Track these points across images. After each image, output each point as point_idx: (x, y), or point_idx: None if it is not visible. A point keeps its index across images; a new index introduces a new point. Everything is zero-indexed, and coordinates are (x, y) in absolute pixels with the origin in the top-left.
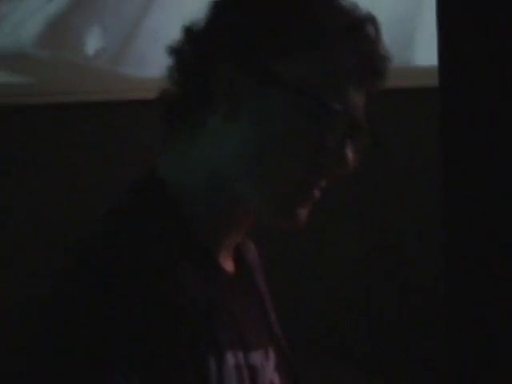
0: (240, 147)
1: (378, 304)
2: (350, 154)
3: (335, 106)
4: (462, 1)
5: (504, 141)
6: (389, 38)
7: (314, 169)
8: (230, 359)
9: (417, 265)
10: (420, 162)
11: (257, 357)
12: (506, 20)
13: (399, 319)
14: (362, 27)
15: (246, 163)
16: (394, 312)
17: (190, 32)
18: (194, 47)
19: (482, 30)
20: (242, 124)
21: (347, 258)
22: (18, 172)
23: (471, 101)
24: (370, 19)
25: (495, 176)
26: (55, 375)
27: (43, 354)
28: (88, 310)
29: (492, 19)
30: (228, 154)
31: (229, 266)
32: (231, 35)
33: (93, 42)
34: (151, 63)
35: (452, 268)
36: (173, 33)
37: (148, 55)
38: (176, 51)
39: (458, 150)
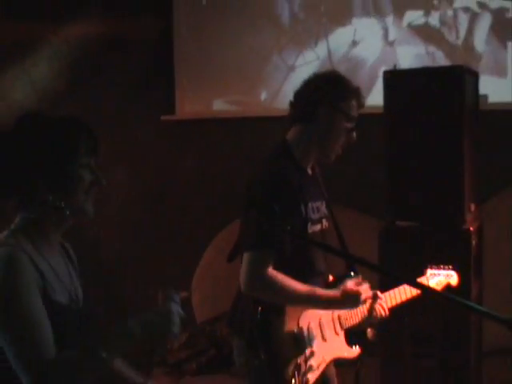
0: (320, 134)
1: None
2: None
3: (354, 118)
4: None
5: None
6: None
7: (343, 142)
8: (310, 205)
9: None
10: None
11: (319, 203)
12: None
13: None
14: (358, 91)
15: (322, 141)
16: None
17: (300, 94)
18: (307, 97)
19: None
20: (320, 126)
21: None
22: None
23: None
24: (359, 88)
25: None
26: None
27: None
28: (269, 181)
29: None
30: (316, 136)
31: (310, 172)
32: (325, 97)
33: (262, 93)
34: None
35: None
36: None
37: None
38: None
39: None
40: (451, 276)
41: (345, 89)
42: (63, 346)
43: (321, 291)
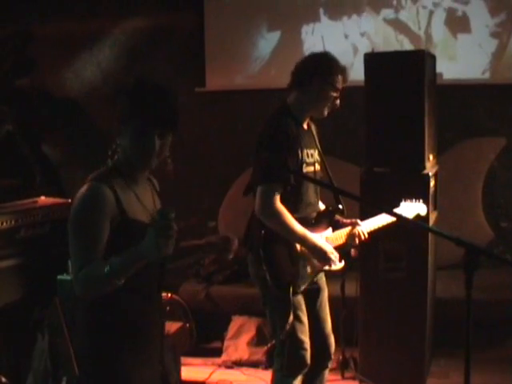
0: (313, 96)
1: None
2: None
3: (339, 89)
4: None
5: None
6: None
7: (331, 105)
8: (305, 151)
9: None
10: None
11: (312, 151)
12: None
13: None
14: (344, 69)
15: (313, 101)
16: None
17: (299, 66)
18: (305, 69)
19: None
20: (314, 90)
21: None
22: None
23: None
24: (344, 67)
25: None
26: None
27: (268, 144)
28: (274, 132)
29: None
30: (309, 100)
31: (305, 127)
32: (317, 70)
33: (271, 71)
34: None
35: None
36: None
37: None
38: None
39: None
40: (422, 207)
41: (334, 66)
42: None
43: (309, 237)
